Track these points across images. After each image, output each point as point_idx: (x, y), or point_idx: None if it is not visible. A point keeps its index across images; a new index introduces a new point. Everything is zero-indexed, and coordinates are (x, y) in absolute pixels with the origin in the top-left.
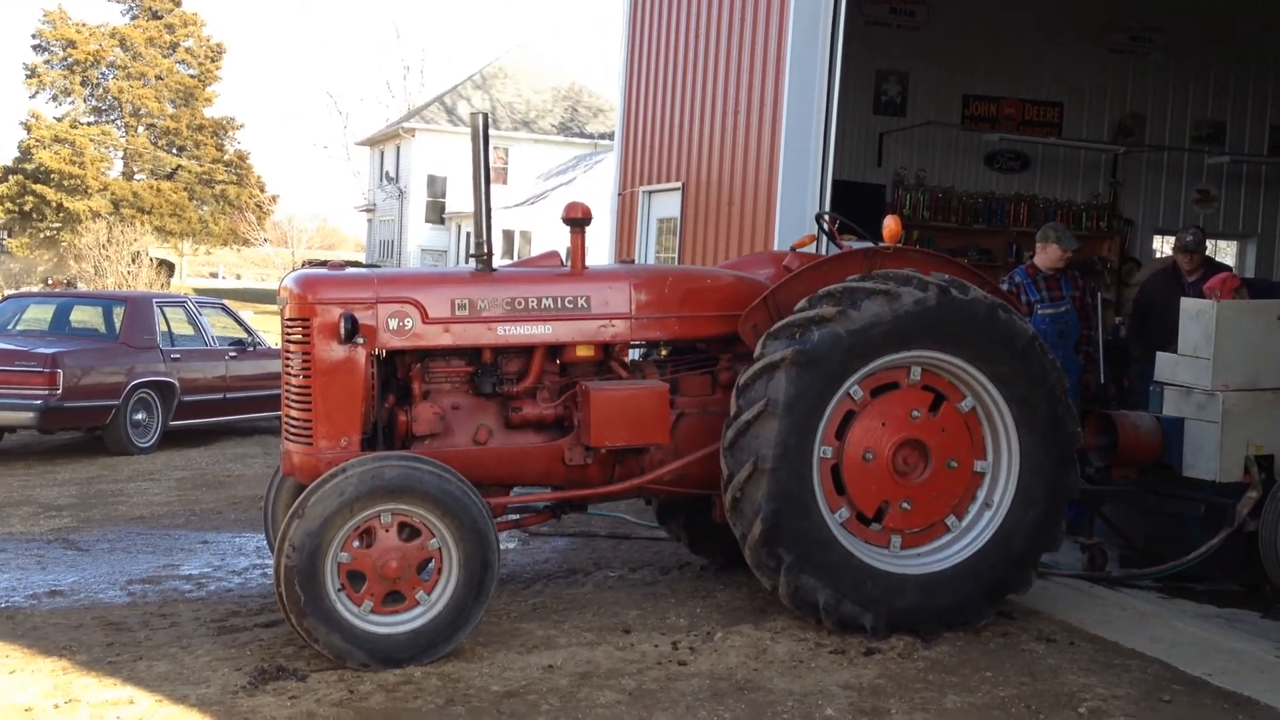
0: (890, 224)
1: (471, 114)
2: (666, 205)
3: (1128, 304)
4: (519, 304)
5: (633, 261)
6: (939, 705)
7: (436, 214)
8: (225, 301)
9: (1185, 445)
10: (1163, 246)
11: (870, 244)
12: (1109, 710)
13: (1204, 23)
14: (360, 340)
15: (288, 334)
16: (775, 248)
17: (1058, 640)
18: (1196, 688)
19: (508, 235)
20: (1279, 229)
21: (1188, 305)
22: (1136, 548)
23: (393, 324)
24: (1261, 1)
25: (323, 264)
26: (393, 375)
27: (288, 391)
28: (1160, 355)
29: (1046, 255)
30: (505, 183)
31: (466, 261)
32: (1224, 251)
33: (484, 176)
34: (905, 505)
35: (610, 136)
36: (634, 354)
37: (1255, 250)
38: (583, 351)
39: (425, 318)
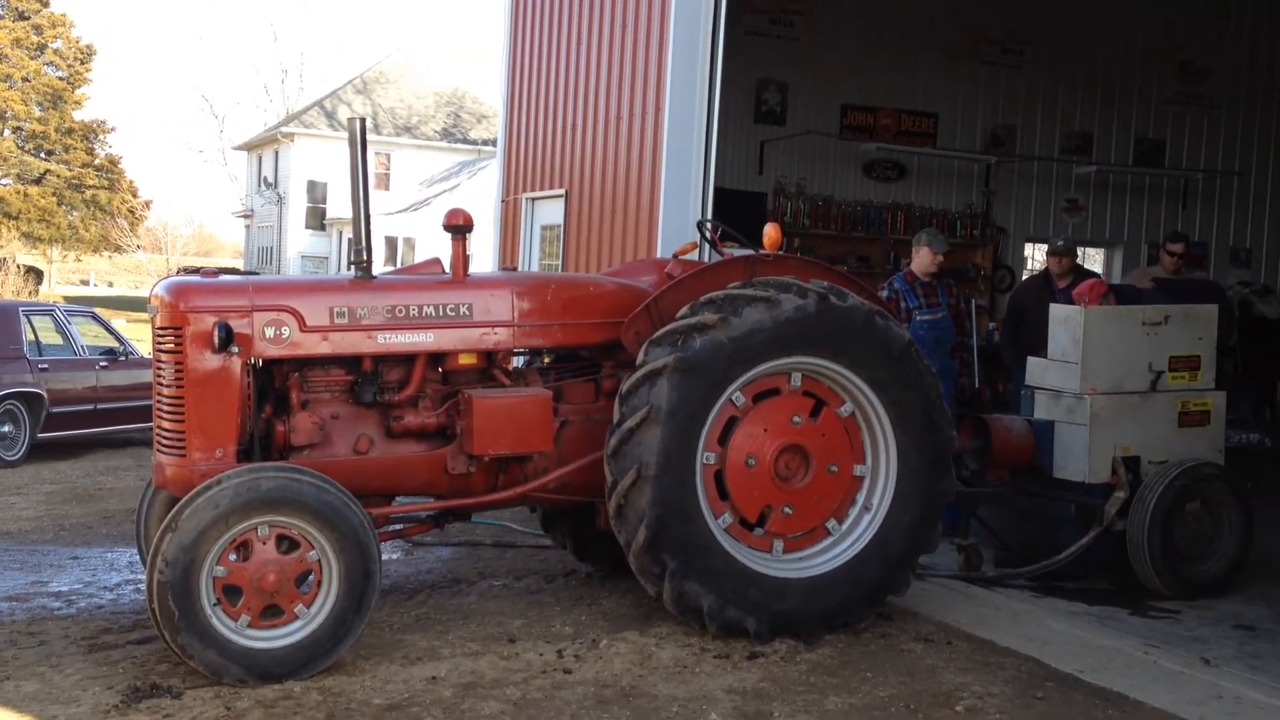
0: (770, 232)
1: (349, 119)
2: (550, 212)
3: (1002, 310)
4: (400, 312)
5: (516, 269)
6: (820, 707)
7: (317, 220)
8: (96, 310)
9: (1055, 448)
10: (1034, 254)
11: (751, 251)
12: (985, 708)
13: (1071, 37)
14: (235, 349)
15: (159, 343)
16: (658, 255)
17: (935, 640)
18: (1068, 684)
19: (390, 242)
20: (1144, 236)
21: (1057, 311)
22: (1010, 548)
23: (269, 332)
24: (1124, 18)
25: (197, 271)
26: (270, 385)
27: (159, 402)
28: (1031, 360)
29: (919, 260)
30: (388, 189)
31: (347, 269)
32: (1092, 258)
33: (363, 182)
34: (787, 510)
35: (494, 143)
36: (518, 362)
37: (1121, 257)
38: (465, 359)
39: (303, 326)
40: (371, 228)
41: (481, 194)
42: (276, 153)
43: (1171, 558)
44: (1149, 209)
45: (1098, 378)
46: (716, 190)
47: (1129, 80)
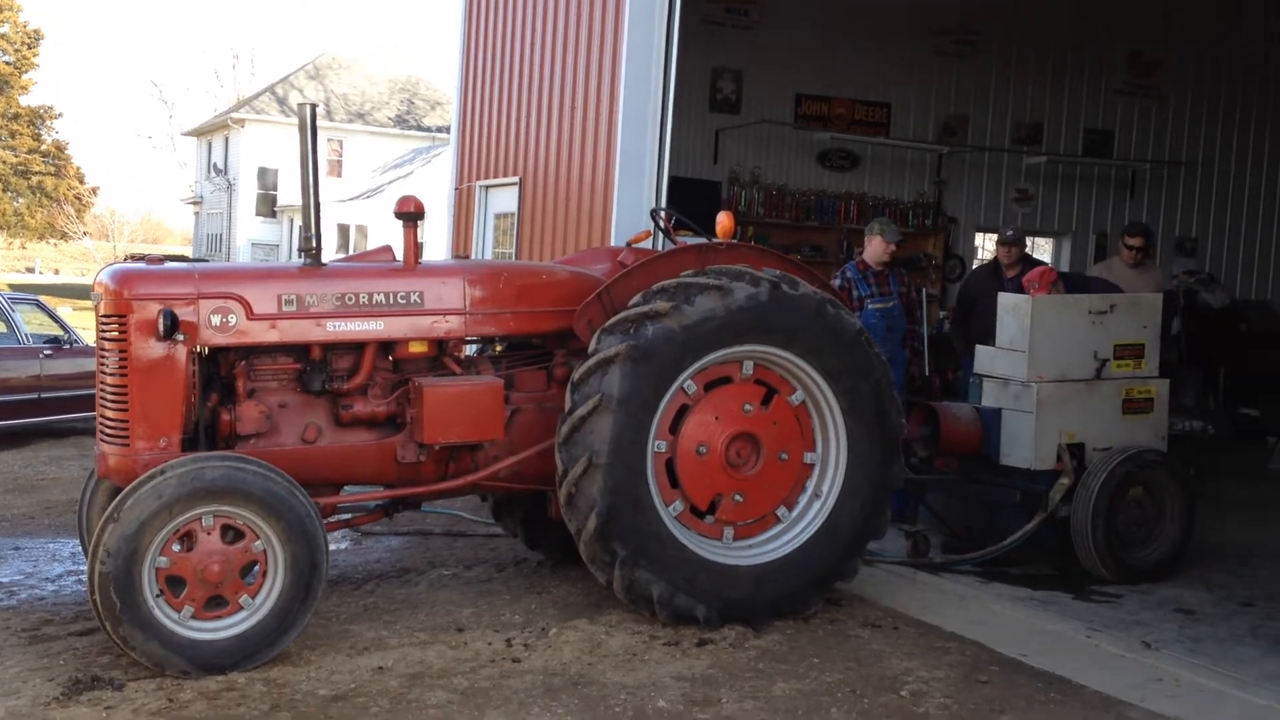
0: (723, 220)
1: (300, 105)
2: (504, 200)
3: (952, 299)
4: (349, 299)
5: (468, 257)
6: (768, 693)
7: (268, 207)
8: (41, 298)
9: (1003, 435)
10: (985, 243)
11: (704, 240)
12: (929, 692)
13: (1023, 28)
14: (180, 337)
15: (103, 331)
16: (612, 243)
17: (882, 626)
18: (1012, 668)
19: (343, 229)
20: (1092, 226)
21: (1005, 300)
22: (957, 534)
23: (215, 320)
24: (1075, 9)
25: (142, 258)
26: (216, 373)
27: (103, 391)
28: (979, 348)
29: (872, 249)
30: (340, 175)
31: (297, 256)
32: (1041, 248)
33: (313, 169)
34: (738, 498)
35: (449, 130)
36: (470, 350)
37: (1070, 246)
38: (415, 348)
39: (250, 314)
40: (321, 215)
41: (436, 181)
42: (227, 139)
43: (1114, 543)
44: (1098, 199)
45: (1044, 365)
46: (671, 179)
47: (1079, 71)
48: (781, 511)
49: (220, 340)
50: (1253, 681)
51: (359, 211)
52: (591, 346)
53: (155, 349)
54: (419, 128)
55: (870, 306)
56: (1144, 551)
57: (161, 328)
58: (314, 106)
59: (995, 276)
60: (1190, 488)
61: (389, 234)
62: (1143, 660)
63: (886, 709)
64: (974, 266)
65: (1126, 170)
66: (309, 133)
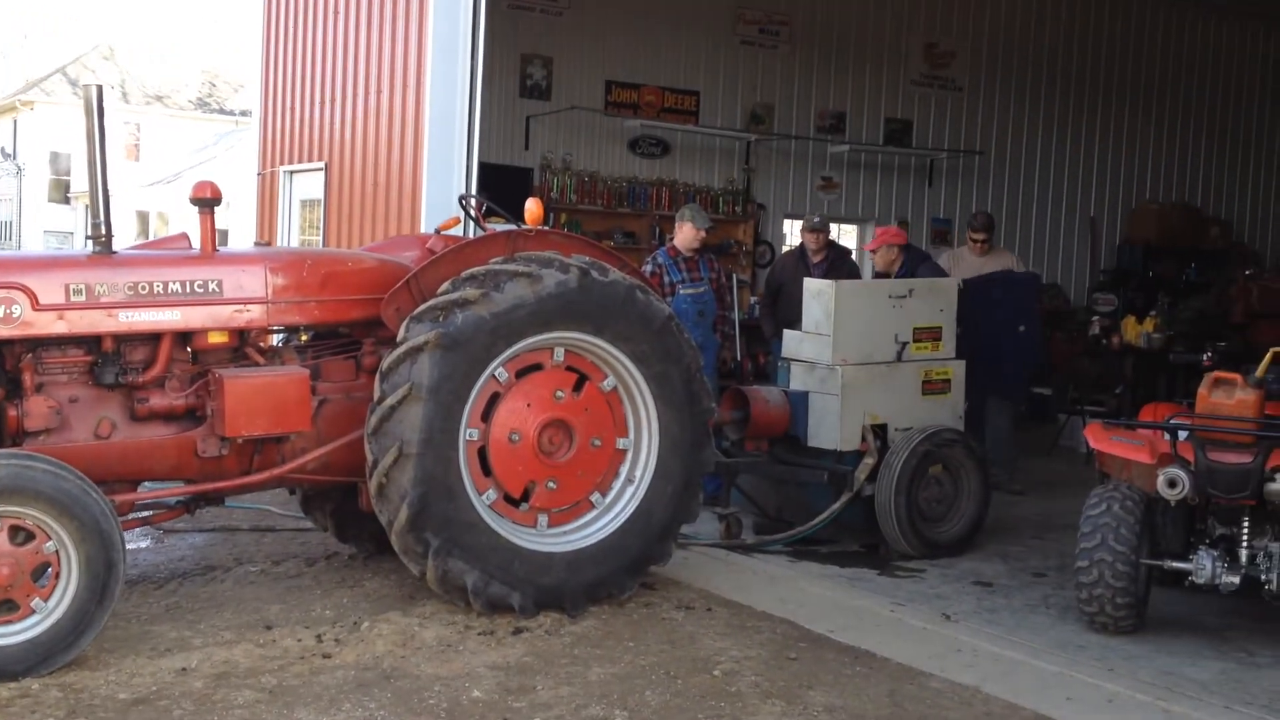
0: (532, 207)
1: (85, 86)
2: (309, 186)
3: (761, 285)
4: (143, 289)
5: (270, 244)
6: (584, 678)
7: (60, 193)
8: None
9: (810, 417)
10: (793, 230)
11: (514, 227)
12: (741, 670)
13: (827, 19)
14: None
15: None
16: (421, 231)
17: (696, 608)
18: (820, 644)
19: (143, 216)
20: (894, 213)
21: (810, 285)
22: (769, 515)
23: None
24: (876, 1)
25: None
26: (1, 367)
27: None
28: (787, 332)
29: (683, 235)
30: (138, 160)
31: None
32: (847, 234)
33: (100, 153)
34: (551, 485)
35: (251, 113)
36: (275, 340)
37: (873, 233)
38: (215, 338)
39: (35, 304)
40: (112, 201)
41: (240, 166)
42: (15, 121)
43: (916, 519)
44: (898, 187)
45: (848, 349)
46: (481, 165)
47: (879, 62)
48: (595, 498)
49: (4, 332)
50: (1045, 649)
51: (159, 197)
52: (400, 335)
53: None
54: (222, 111)
55: (682, 292)
56: (944, 527)
57: None
58: (100, 87)
59: (802, 262)
60: (985, 465)
61: (191, 221)
62: (943, 632)
63: (700, 689)
64: (781, 253)
65: (925, 159)
66: (95, 115)
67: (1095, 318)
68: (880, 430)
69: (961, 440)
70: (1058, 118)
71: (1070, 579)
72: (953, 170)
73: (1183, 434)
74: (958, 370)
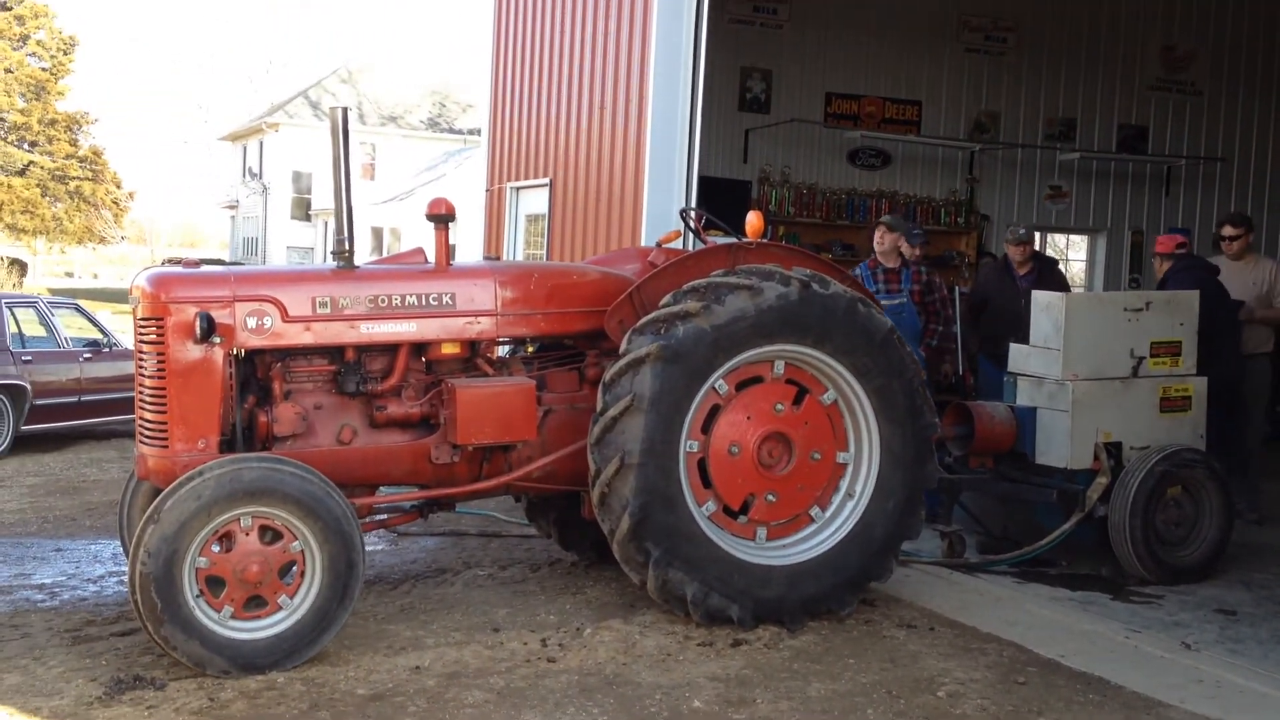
0: (753, 219)
1: (331, 108)
2: (535, 201)
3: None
4: (382, 301)
5: (499, 258)
6: (803, 694)
7: (302, 210)
8: (80, 301)
9: (1038, 434)
10: None
11: (734, 239)
12: (966, 693)
13: (1055, 23)
14: (217, 340)
15: (141, 334)
16: (642, 244)
17: (918, 626)
18: (1050, 669)
19: (376, 232)
20: (1127, 223)
21: (1039, 298)
22: (993, 534)
23: (251, 323)
24: (1107, 3)
25: (179, 262)
26: (252, 375)
27: (142, 393)
28: (1013, 346)
29: (879, 245)
30: (373, 179)
31: (330, 259)
32: (1076, 245)
33: (344, 172)
34: (770, 497)
35: (480, 132)
36: (502, 351)
37: (1105, 244)
38: (448, 349)
39: (285, 316)
40: (354, 217)
41: (468, 183)
42: (261, 143)
43: (1153, 543)
44: (1132, 196)
45: (1079, 364)
46: (700, 179)
47: (1112, 66)
48: (815, 511)
49: (256, 342)
50: None
51: (392, 214)
52: (623, 347)
53: (193, 351)
54: (451, 130)
55: None
56: (1183, 551)
57: (198, 330)
58: (345, 110)
59: (1007, 274)
60: (1228, 487)
61: (421, 237)
62: (1183, 661)
63: (923, 710)
64: (982, 266)
65: (1161, 166)
66: (340, 136)
67: None
68: (1114, 448)
69: (1203, 461)
70: None
71: None
72: (1192, 178)
73: None
74: (1199, 387)
